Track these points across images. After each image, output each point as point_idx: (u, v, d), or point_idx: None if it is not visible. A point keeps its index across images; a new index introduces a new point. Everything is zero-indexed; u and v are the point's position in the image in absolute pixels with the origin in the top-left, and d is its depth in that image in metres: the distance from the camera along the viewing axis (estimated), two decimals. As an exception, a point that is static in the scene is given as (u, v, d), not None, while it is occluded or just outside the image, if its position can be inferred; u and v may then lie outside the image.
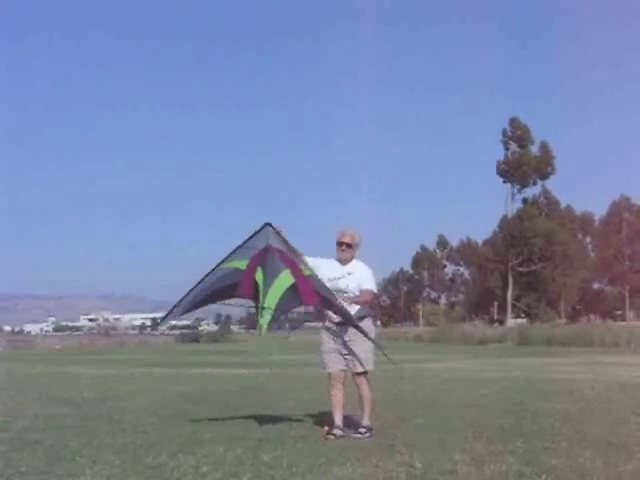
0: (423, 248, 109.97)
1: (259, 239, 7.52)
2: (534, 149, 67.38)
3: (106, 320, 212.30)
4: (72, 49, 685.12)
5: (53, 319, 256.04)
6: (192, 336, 66.74)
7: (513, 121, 68.66)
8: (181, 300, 7.63)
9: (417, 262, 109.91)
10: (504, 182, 68.02)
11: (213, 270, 7.60)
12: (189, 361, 25.09)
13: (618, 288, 79.60)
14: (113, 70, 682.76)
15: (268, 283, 7.33)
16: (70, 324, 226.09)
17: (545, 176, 67.52)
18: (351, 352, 7.23)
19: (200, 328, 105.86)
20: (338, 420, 7.20)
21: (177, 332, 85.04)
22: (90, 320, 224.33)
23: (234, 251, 7.58)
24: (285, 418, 8.23)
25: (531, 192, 69.26)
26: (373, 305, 7.42)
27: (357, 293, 7.27)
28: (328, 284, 7.25)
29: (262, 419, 8.15)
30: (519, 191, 68.51)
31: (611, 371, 16.16)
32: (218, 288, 7.61)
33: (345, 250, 7.37)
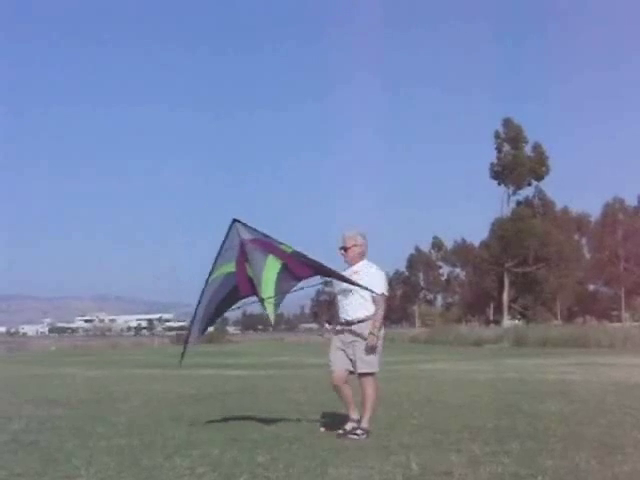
0: (418, 249, 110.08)
1: (232, 238, 7.62)
2: (527, 150, 67.42)
3: (101, 321, 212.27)
4: (71, 48, 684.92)
5: (48, 320, 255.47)
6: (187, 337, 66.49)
7: (506, 122, 68.66)
8: (191, 325, 7.66)
9: (412, 263, 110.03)
10: (498, 184, 68.07)
11: (206, 285, 7.65)
12: (184, 362, 25.03)
13: (614, 289, 79.69)
14: (109, 69, 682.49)
15: (257, 275, 7.42)
16: (65, 325, 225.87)
17: (540, 177, 67.53)
18: (356, 354, 7.23)
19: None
20: (352, 414, 7.24)
21: (172, 333, 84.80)
22: (86, 321, 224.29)
23: (216, 259, 7.68)
24: (281, 419, 8.23)
25: (526, 194, 69.37)
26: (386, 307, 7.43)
27: (363, 292, 7.24)
28: (337, 287, 7.42)
29: (258, 420, 8.15)
30: (514, 192, 68.56)
31: (607, 372, 16.18)
32: (221, 299, 7.66)
33: (345, 253, 7.45)
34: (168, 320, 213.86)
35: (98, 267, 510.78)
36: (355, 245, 7.43)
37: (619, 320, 67.79)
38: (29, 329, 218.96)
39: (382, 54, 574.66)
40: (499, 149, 67.79)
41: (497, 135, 68.06)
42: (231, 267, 7.59)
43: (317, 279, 7.66)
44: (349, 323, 7.31)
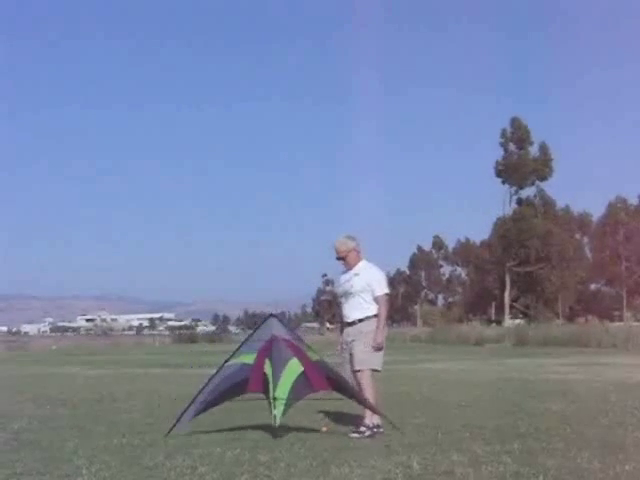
0: (420, 249, 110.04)
1: (264, 331, 7.57)
2: (533, 150, 67.37)
3: (103, 320, 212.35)
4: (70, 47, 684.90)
5: (50, 320, 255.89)
6: (189, 336, 66.64)
7: (514, 121, 68.51)
8: (193, 401, 7.52)
9: (414, 263, 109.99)
10: (502, 183, 68.01)
11: (221, 367, 7.59)
12: (185, 361, 25.04)
13: (615, 289, 79.64)
14: (106, 69, 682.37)
15: (277, 373, 7.34)
16: (67, 325, 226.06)
17: (543, 177, 67.48)
18: (354, 352, 7.30)
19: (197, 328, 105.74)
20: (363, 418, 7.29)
21: (174, 333, 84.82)
22: (87, 321, 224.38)
23: (241, 346, 7.65)
24: (282, 419, 8.22)
25: (528, 193, 69.30)
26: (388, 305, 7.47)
27: (363, 294, 7.32)
28: (339, 289, 7.58)
29: (259, 420, 8.14)
30: (516, 192, 68.53)
31: (608, 372, 16.17)
32: (229, 386, 7.56)
33: (344, 262, 7.54)
34: (169, 319, 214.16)
35: (100, 267, 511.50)
36: (349, 250, 7.49)
37: (621, 320, 67.64)
38: (30, 328, 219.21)
39: (387, 53, 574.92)
40: (505, 148, 67.71)
41: (504, 134, 67.95)
42: (250, 359, 7.51)
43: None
44: (349, 324, 7.42)
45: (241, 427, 7.72)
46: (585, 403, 9.73)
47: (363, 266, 7.48)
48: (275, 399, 7.26)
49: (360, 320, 7.33)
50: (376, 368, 7.33)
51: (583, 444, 6.42)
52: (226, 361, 7.59)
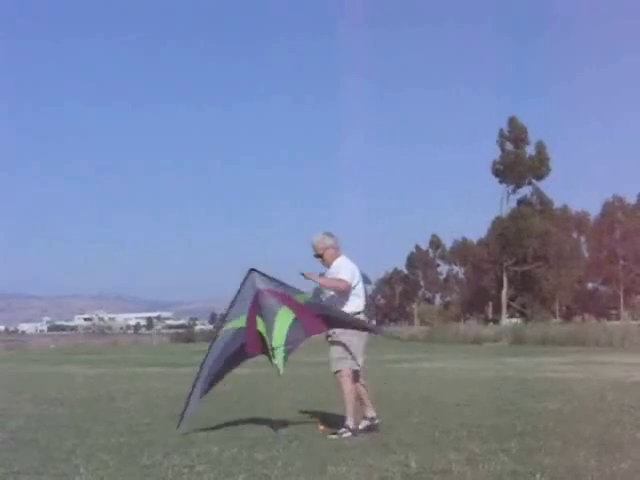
0: (418, 248, 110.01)
1: (248, 287, 7.54)
2: (529, 149, 67.45)
3: (101, 319, 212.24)
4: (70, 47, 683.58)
5: (48, 319, 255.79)
6: (186, 336, 66.57)
7: (511, 121, 68.59)
8: (197, 378, 7.49)
9: (412, 262, 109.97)
10: (500, 182, 68.05)
11: (216, 337, 7.61)
12: (183, 361, 25.04)
13: (612, 288, 79.69)
14: (107, 68, 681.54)
15: (270, 326, 7.33)
16: (65, 324, 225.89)
17: (540, 176, 67.52)
18: (329, 353, 7.37)
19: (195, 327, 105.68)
20: (366, 413, 7.32)
21: (172, 331, 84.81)
22: (85, 320, 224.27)
23: (229, 310, 7.62)
24: (280, 418, 8.23)
25: (525, 192, 69.35)
26: (345, 292, 7.36)
27: (336, 292, 7.32)
28: (315, 288, 7.55)
29: (257, 419, 8.15)
30: (513, 191, 68.57)
31: (605, 370, 16.19)
32: (230, 355, 7.56)
33: (322, 260, 7.50)
34: (167, 318, 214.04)
35: (99, 266, 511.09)
36: (326, 248, 7.45)
37: (618, 318, 67.76)
38: (28, 327, 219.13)
39: (385, 53, 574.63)
40: (502, 147, 67.78)
41: (501, 133, 68.01)
42: (243, 321, 7.51)
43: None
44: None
45: (239, 426, 7.73)
46: (582, 402, 9.74)
47: (340, 263, 7.41)
48: (274, 349, 7.26)
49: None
50: (354, 367, 7.25)
51: (580, 443, 6.43)
52: (219, 329, 7.59)
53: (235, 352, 7.57)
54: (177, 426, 7.34)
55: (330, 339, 7.33)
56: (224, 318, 7.72)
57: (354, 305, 7.35)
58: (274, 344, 7.26)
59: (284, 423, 7.68)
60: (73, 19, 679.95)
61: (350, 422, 7.10)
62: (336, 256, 7.45)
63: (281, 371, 7.24)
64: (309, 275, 7.31)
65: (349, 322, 7.28)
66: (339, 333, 7.26)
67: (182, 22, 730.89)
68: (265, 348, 7.40)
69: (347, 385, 7.21)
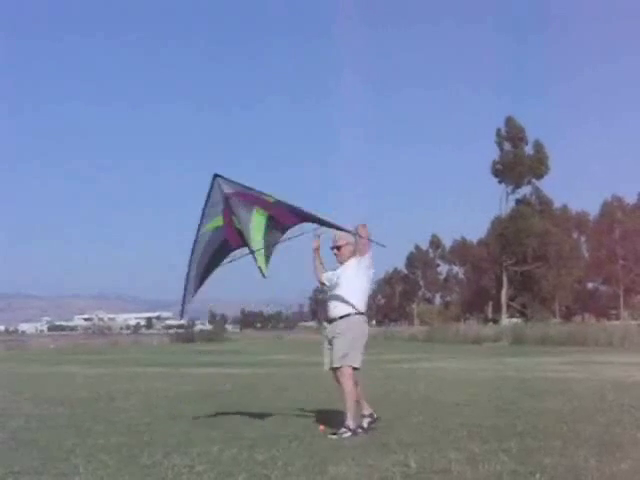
0: (417, 248, 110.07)
1: (216, 193, 7.68)
2: (528, 149, 67.49)
3: (101, 320, 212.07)
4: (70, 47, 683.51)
5: (47, 319, 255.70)
6: (186, 335, 66.63)
7: (509, 121, 68.69)
8: (187, 279, 7.70)
9: (411, 262, 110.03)
10: (499, 182, 68.09)
11: (196, 242, 7.73)
12: (183, 361, 25.06)
13: (612, 287, 79.71)
14: (107, 67, 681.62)
15: (246, 228, 7.48)
16: (65, 324, 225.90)
17: (539, 176, 67.57)
18: (332, 348, 7.33)
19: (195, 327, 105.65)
20: (363, 411, 7.30)
21: (172, 332, 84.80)
22: (85, 320, 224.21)
23: (204, 215, 7.74)
24: (280, 418, 8.23)
25: (525, 192, 69.38)
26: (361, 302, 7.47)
27: (348, 289, 7.34)
28: (331, 283, 7.55)
29: (257, 419, 8.15)
30: (513, 191, 68.61)
31: (605, 370, 16.19)
32: (214, 251, 7.72)
33: (338, 252, 7.57)
34: (167, 318, 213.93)
35: (99, 266, 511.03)
36: (347, 244, 7.53)
37: (617, 318, 67.84)
38: (28, 327, 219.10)
39: (384, 52, 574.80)
40: (500, 147, 67.83)
41: (498, 133, 68.07)
42: (218, 221, 7.68)
43: (303, 228, 7.65)
44: (332, 320, 7.42)
45: (239, 426, 7.73)
46: (582, 402, 9.74)
47: (354, 262, 7.48)
48: (254, 252, 7.40)
49: (341, 317, 7.34)
50: (355, 365, 7.28)
51: (580, 442, 6.43)
52: (197, 235, 7.72)
53: (218, 249, 7.74)
54: (180, 317, 8.17)
55: (333, 335, 7.34)
56: (199, 225, 7.80)
57: (363, 303, 7.45)
58: (254, 246, 7.40)
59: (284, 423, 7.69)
60: (73, 19, 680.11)
61: (350, 422, 7.10)
62: (352, 255, 7.52)
63: (265, 274, 7.40)
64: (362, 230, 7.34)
65: (319, 219, 7.43)
66: (345, 329, 7.28)
67: (182, 22, 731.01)
68: (247, 243, 7.53)
69: (348, 384, 7.21)
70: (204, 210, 7.72)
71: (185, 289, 7.82)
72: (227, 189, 7.61)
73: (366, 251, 7.39)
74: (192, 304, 8.08)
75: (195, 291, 7.92)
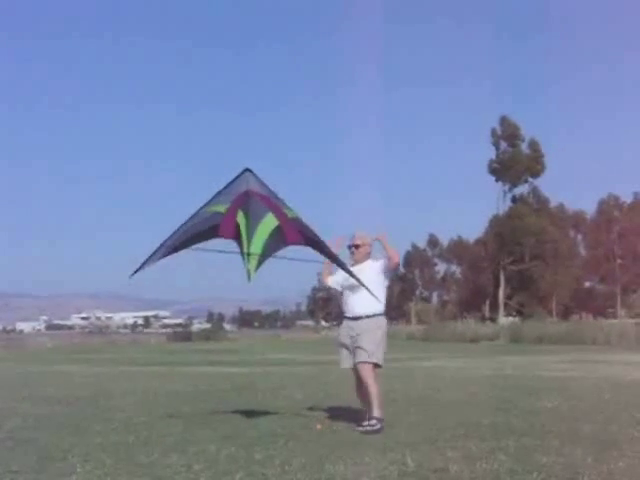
0: (415, 247, 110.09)
1: (239, 184, 7.54)
2: (524, 147, 67.57)
3: (98, 318, 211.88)
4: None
5: (45, 318, 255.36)
6: (184, 334, 66.60)
7: (503, 120, 68.77)
8: (162, 245, 7.46)
9: (409, 261, 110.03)
10: (496, 181, 68.17)
11: (194, 215, 7.56)
12: (181, 360, 25.04)
13: (609, 286, 79.77)
14: (107, 67, 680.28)
15: (252, 228, 7.38)
16: (62, 323, 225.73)
17: (536, 174, 67.65)
18: (359, 345, 7.33)
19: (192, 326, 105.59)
20: (373, 413, 7.29)
21: (169, 330, 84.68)
22: (82, 319, 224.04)
23: (214, 197, 7.58)
24: (277, 417, 8.24)
25: (522, 190, 69.47)
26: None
27: (371, 287, 7.35)
28: (345, 283, 7.54)
29: (254, 417, 8.15)
30: (510, 190, 68.68)
31: (602, 369, 16.22)
32: (198, 231, 7.52)
33: (355, 251, 7.62)
34: (164, 317, 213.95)
35: (96, 265, 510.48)
36: (366, 243, 7.63)
37: (615, 317, 67.88)
38: (25, 326, 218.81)
39: (381, 52, 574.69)
40: (496, 146, 67.90)
41: (494, 133, 68.15)
42: (222, 208, 7.51)
43: (306, 254, 7.63)
44: (357, 318, 7.44)
45: (236, 425, 7.73)
46: (579, 400, 9.75)
47: (368, 263, 7.60)
48: (249, 254, 7.31)
49: (368, 316, 7.41)
50: (379, 363, 7.37)
51: (577, 441, 6.45)
52: (199, 210, 7.55)
53: (205, 230, 7.54)
54: (130, 275, 7.39)
55: (359, 332, 7.35)
56: (206, 203, 7.60)
57: (381, 307, 7.53)
58: (252, 249, 7.32)
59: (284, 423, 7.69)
60: (73, 19, 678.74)
61: (378, 412, 7.18)
62: (367, 258, 7.63)
63: (251, 278, 7.35)
64: (382, 237, 7.48)
65: (325, 250, 7.41)
66: (374, 327, 7.35)
67: (182, 22, 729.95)
68: (238, 238, 7.43)
69: (370, 379, 7.27)
70: (220, 190, 7.57)
71: (153, 253, 7.48)
72: (253, 186, 7.50)
73: (396, 258, 7.54)
74: (150, 269, 7.55)
75: (158, 259, 7.51)
